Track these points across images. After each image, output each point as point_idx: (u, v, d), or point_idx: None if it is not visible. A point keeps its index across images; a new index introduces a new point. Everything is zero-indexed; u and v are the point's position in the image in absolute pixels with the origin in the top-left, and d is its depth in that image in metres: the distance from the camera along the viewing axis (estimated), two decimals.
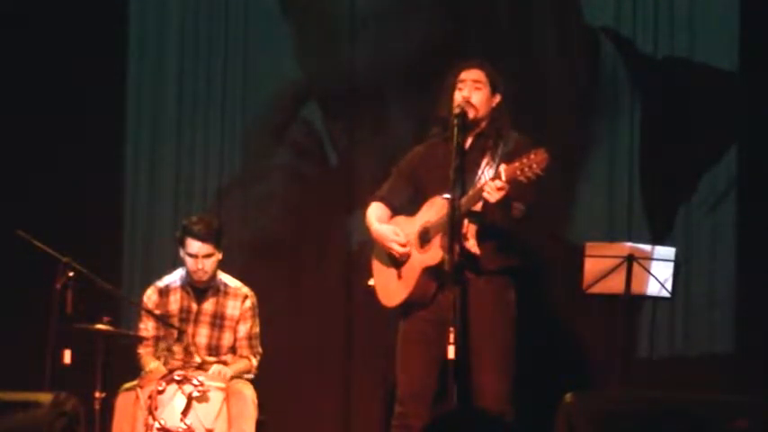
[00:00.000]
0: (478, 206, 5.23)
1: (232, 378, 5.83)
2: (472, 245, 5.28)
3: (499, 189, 5.08)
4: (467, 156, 5.32)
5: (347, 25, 7.15)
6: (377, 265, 5.57)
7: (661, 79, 6.88)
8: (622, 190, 6.86)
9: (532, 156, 5.00)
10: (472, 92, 5.41)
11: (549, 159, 4.98)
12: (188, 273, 6.00)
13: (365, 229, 5.68)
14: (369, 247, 5.66)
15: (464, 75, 5.45)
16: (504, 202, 5.14)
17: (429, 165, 5.49)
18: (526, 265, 5.48)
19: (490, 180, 5.11)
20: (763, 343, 6.65)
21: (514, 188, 5.09)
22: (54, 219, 6.81)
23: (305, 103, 7.25)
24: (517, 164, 5.03)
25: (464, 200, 5.20)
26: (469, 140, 5.43)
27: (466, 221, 5.26)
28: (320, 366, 7.02)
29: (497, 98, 5.47)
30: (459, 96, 5.40)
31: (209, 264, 5.95)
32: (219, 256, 5.98)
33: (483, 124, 5.44)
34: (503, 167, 5.08)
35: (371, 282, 5.61)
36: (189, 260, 5.95)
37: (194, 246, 5.91)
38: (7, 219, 6.43)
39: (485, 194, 5.11)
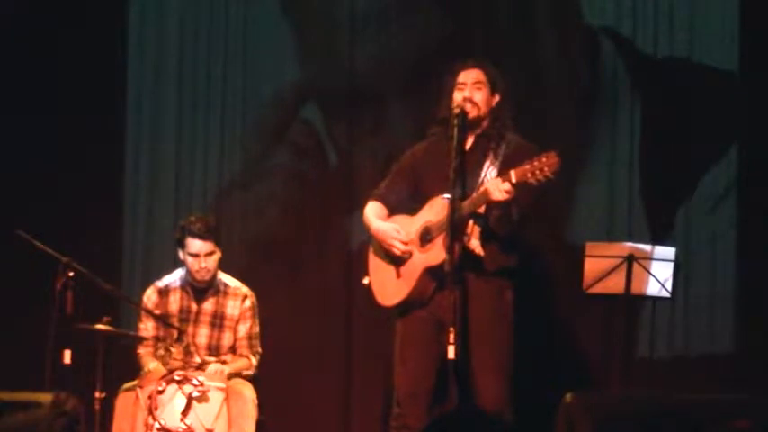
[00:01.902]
0: (482, 208, 5.22)
1: (230, 376, 5.82)
2: (476, 245, 5.27)
3: (507, 191, 5.07)
4: (468, 156, 5.31)
5: (347, 25, 7.16)
6: (374, 264, 5.55)
7: (661, 79, 6.88)
8: (622, 190, 6.86)
9: (544, 159, 4.99)
10: (473, 92, 5.40)
11: (560, 163, 4.97)
12: (189, 273, 5.99)
13: (364, 229, 5.67)
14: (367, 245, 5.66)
15: (464, 75, 5.44)
16: (504, 205, 5.13)
17: (429, 164, 5.48)
18: (524, 265, 5.48)
19: (497, 179, 5.10)
20: (763, 343, 6.65)
21: (518, 191, 5.08)
22: (54, 219, 6.82)
23: (305, 104, 7.25)
24: (528, 167, 5.02)
25: (468, 202, 5.19)
26: (471, 141, 5.42)
27: (471, 222, 5.25)
28: (320, 366, 7.01)
29: (497, 98, 5.46)
30: (459, 97, 5.39)
31: (212, 262, 5.96)
32: (219, 253, 5.99)
33: (484, 124, 5.43)
34: (512, 171, 5.06)
35: (366, 280, 5.58)
36: (191, 260, 5.94)
37: (196, 245, 5.91)
38: (7, 219, 6.43)
39: (488, 186, 5.09)
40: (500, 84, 5.47)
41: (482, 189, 5.19)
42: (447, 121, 5.42)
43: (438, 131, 5.52)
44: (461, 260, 5.21)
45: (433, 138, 5.54)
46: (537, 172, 4.99)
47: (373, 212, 5.57)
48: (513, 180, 5.05)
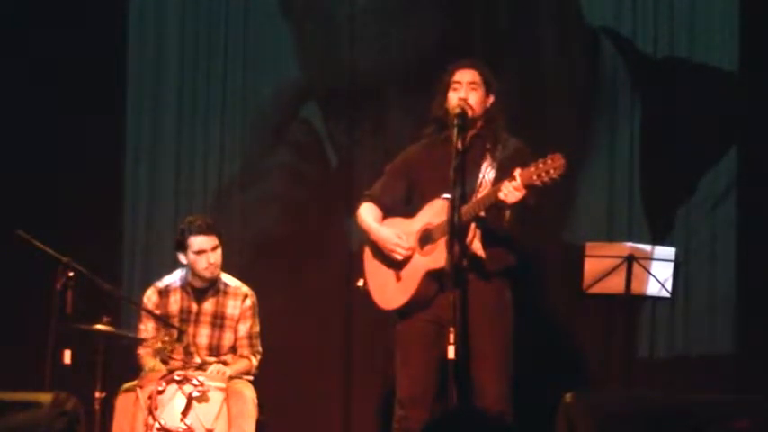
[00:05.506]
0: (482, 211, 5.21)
1: (231, 378, 5.82)
2: (478, 248, 5.26)
3: (520, 192, 5.04)
4: (465, 157, 5.29)
5: (347, 25, 7.16)
6: (371, 267, 5.51)
7: (661, 79, 6.89)
8: (622, 190, 6.87)
9: (549, 161, 4.97)
10: (468, 92, 5.37)
11: (567, 165, 4.95)
12: (194, 273, 5.97)
13: (359, 230, 5.64)
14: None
15: (459, 75, 5.41)
16: (516, 206, 5.11)
17: (426, 165, 5.45)
18: (524, 265, 5.47)
19: (507, 181, 5.06)
20: (763, 343, 6.65)
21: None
22: (54, 219, 6.82)
23: (305, 103, 7.25)
24: (533, 169, 5.00)
25: (470, 205, 5.16)
26: (467, 141, 5.39)
27: (473, 225, 5.23)
28: (320, 366, 7.02)
29: (491, 98, 5.43)
30: (455, 97, 5.36)
31: (218, 256, 5.95)
32: (222, 248, 5.99)
33: (479, 125, 5.39)
34: (518, 172, 5.03)
35: (360, 282, 5.54)
36: (197, 258, 5.92)
37: (200, 241, 5.89)
38: (7, 219, 6.43)
39: (502, 195, 5.05)
40: (494, 84, 5.45)
41: (489, 192, 5.14)
42: (441, 121, 5.41)
43: (432, 132, 5.50)
44: (465, 263, 5.20)
45: (427, 139, 5.52)
46: (543, 174, 4.97)
47: (370, 215, 5.53)
48: (519, 181, 5.03)
